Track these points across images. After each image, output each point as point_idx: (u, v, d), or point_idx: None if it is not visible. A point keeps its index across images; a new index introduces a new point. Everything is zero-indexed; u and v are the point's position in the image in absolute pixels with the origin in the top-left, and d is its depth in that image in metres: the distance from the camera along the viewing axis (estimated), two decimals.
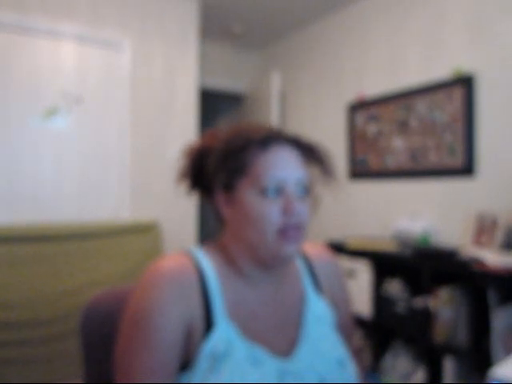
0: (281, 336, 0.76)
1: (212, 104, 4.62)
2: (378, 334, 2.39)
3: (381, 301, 2.33)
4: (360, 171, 2.97)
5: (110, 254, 2.54)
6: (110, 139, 2.72)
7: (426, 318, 2.03)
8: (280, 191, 0.73)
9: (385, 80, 2.81)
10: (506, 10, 2.15)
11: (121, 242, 2.58)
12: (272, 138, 0.76)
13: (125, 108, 2.76)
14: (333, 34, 3.27)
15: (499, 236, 2.03)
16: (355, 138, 3.01)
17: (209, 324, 0.70)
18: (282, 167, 0.74)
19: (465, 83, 2.29)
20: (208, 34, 3.59)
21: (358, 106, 2.98)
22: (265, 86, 3.60)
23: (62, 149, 2.56)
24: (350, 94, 3.07)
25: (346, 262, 2.46)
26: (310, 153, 0.79)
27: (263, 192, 0.72)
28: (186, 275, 0.72)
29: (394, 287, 2.29)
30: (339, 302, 0.88)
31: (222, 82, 3.99)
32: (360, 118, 2.97)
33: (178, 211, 2.92)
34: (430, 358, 2.06)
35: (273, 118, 3.44)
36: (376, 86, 2.88)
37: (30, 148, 2.46)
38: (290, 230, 0.72)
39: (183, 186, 0.84)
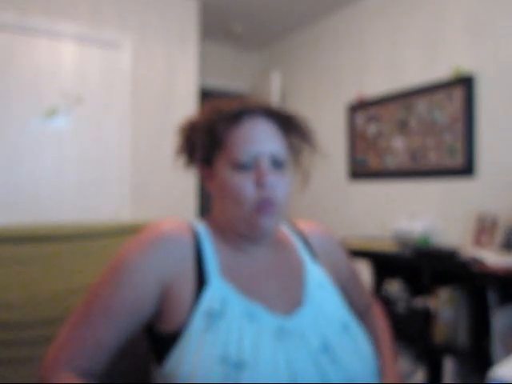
0: (282, 298, 0.75)
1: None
2: None
3: (381, 301, 2.32)
4: (360, 171, 2.97)
5: (110, 254, 2.52)
6: (110, 139, 2.72)
7: (426, 318, 2.03)
8: (254, 165, 0.73)
9: (385, 80, 2.81)
10: (506, 10, 2.15)
11: (121, 242, 2.55)
12: (245, 111, 0.75)
13: (125, 108, 2.76)
14: (333, 34, 3.27)
15: (499, 236, 2.03)
16: (355, 137, 3.01)
17: (202, 283, 0.71)
18: (256, 141, 0.73)
19: (465, 83, 2.29)
20: (208, 34, 3.59)
21: (358, 106, 2.98)
22: (265, 85, 3.60)
23: (62, 149, 2.56)
24: (350, 94, 3.07)
25: None
26: (287, 122, 0.79)
27: (237, 166, 0.73)
28: (179, 238, 0.73)
29: (394, 287, 2.29)
30: (339, 262, 0.90)
31: (222, 82, 3.98)
32: (360, 118, 2.97)
33: (178, 211, 2.92)
34: (430, 358, 2.06)
35: None
36: (376, 86, 2.88)
37: (30, 148, 2.46)
38: (265, 204, 0.72)
39: (181, 162, 0.84)
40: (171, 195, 2.87)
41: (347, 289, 0.88)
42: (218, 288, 0.70)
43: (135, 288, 0.69)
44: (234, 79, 4.06)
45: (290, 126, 0.79)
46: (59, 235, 2.46)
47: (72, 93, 2.58)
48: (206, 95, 3.94)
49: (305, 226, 0.91)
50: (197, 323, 0.67)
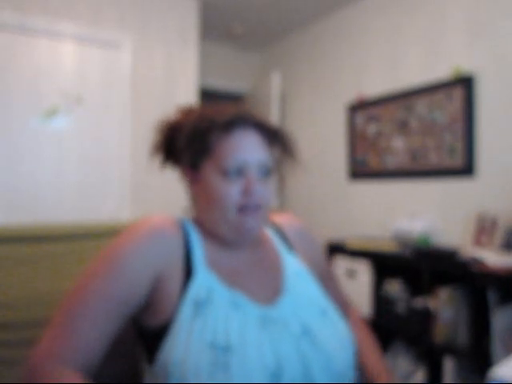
0: (263, 288, 0.79)
1: (212, 104, 4.61)
2: (378, 334, 2.39)
3: (381, 301, 2.32)
4: (360, 171, 2.97)
5: None
6: (110, 139, 2.72)
7: (425, 318, 2.03)
8: (241, 173, 0.77)
9: (385, 80, 2.81)
10: (506, 10, 2.15)
11: None
12: (236, 122, 0.79)
13: (125, 108, 2.76)
14: (333, 34, 3.27)
15: (499, 236, 2.03)
16: (355, 137, 3.01)
17: (189, 274, 0.74)
18: (244, 150, 0.77)
19: (465, 83, 2.29)
20: (208, 34, 3.59)
21: (358, 106, 2.98)
22: (265, 86, 3.60)
23: (62, 149, 2.56)
24: (350, 94, 3.07)
25: (346, 262, 2.46)
26: (273, 135, 0.83)
27: (225, 174, 0.76)
28: (169, 231, 0.76)
29: (394, 287, 2.29)
30: (315, 255, 0.94)
31: (222, 82, 3.99)
32: (360, 118, 2.97)
33: (178, 211, 2.92)
34: (430, 358, 2.05)
35: (273, 118, 3.44)
36: (376, 86, 2.88)
37: (30, 148, 2.46)
38: (250, 209, 0.77)
39: (156, 160, 0.88)
40: (171, 195, 2.86)
41: (324, 284, 0.92)
42: (204, 278, 0.74)
43: (129, 280, 0.71)
44: (234, 79, 4.06)
45: (275, 139, 0.84)
46: (59, 235, 2.46)
47: (72, 93, 2.58)
48: (206, 95, 3.94)
49: (281, 219, 0.96)
50: (185, 312, 0.70)
